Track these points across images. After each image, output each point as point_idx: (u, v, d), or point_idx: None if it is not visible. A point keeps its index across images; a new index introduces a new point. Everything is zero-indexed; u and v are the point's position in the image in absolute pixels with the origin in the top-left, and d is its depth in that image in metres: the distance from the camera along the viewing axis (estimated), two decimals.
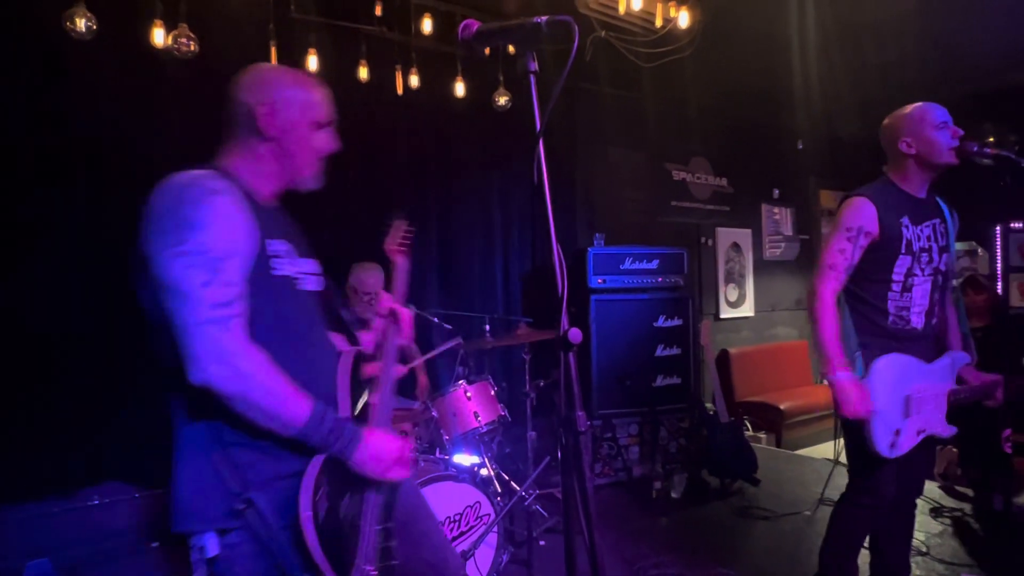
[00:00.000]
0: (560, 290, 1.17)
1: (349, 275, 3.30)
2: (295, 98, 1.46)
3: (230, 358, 1.21)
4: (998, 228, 5.41)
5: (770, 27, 4.23)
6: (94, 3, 2.92)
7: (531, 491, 3.23)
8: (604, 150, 5.34)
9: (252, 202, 1.38)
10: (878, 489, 2.20)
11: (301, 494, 1.28)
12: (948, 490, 3.96)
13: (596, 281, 4.44)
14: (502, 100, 4.17)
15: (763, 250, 6.64)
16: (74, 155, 3.11)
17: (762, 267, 6.60)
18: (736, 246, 6.35)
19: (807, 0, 3.92)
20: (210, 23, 3.27)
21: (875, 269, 2.19)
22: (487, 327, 3.47)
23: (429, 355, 3.21)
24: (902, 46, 4.52)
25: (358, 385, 1.57)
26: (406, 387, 3.55)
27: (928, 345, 2.28)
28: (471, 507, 2.78)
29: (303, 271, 1.46)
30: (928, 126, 2.15)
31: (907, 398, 2.17)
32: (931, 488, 3.90)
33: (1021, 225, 5.79)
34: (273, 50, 3.37)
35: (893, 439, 2.12)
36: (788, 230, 6.92)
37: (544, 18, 1.19)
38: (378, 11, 3.66)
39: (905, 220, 2.16)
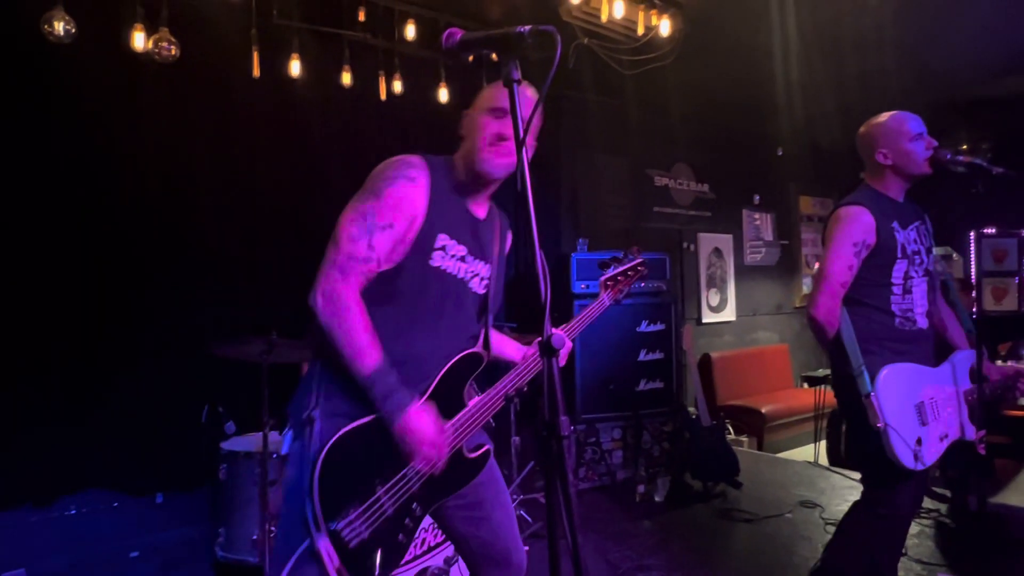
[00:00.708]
0: (543, 297, 1.18)
1: None
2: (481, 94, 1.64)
3: (333, 297, 1.44)
4: (972, 234, 5.52)
5: (751, 36, 4.29)
6: (73, 6, 2.89)
7: (515, 496, 3.23)
8: (588, 156, 5.38)
9: (454, 201, 1.60)
10: (894, 499, 2.15)
11: (341, 430, 1.44)
12: (927, 491, 4.02)
13: (579, 286, 4.46)
14: None
15: (744, 255, 6.71)
16: (54, 158, 3.07)
17: (743, 272, 6.66)
18: (718, 251, 6.41)
19: (787, 10, 3.98)
20: (192, 28, 3.24)
21: (876, 274, 2.17)
22: None
23: None
24: (880, 56, 4.60)
25: (461, 380, 1.64)
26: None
27: (931, 346, 2.27)
28: None
29: (470, 270, 1.64)
30: (904, 138, 2.17)
31: (919, 406, 2.13)
32: None
33: (994, 231, 5.91)
34: (255, 55, 3.35)
35: (916, 449, 2.06)
36: (769, 235, 7.00)
37: (527, 28, 1.19)
38: (361, 16, 3.65)
39: (895, 225, 2.18)
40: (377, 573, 1.46)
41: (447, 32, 1.28)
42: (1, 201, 2.95)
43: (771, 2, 3.88)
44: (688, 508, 4.02)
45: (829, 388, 4.16)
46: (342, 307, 1.44)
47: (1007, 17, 4.17)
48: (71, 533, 2.96)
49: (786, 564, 3.19)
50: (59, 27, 2.86)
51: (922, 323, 2.21)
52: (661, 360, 4.68)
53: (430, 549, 2.48)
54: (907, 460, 2.04)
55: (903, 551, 3.20)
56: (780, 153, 6.90)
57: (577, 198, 5.28)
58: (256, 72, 3.36)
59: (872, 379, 2.07)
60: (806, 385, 5.86)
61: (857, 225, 2.14)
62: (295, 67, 3.53)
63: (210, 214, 3.48)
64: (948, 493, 3.93)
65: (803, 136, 6.48)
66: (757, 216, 6.89)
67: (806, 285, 7.25)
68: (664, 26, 3.91)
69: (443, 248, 1.57)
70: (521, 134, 1.20)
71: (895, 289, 2.17)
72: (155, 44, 3.09)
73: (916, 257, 2.20)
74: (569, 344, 1.83)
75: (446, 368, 1.60)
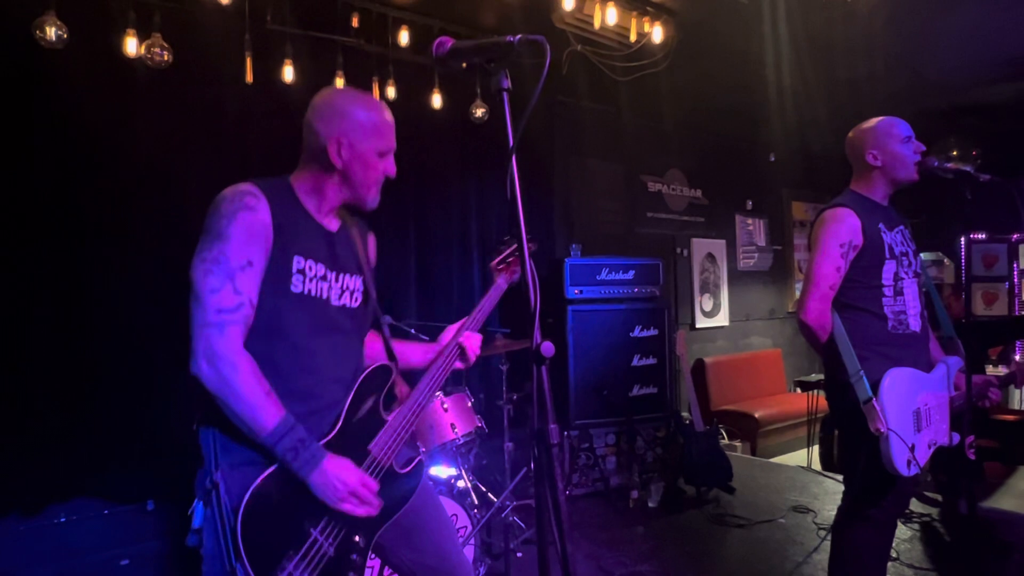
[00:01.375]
0: (532, 305, 1.18)
1: None
2: (364, 128, 1.52)
3: (217, 360, 1.34)
4: (962, 239, 5.57)
5: (743, 43, 4.31)
6: (65, 12, 2.88)
7: (508, 502, 3.23)
8: (581, 162, 5.39)
9: (300, 219, 1.51)
10: (883, 504, 2.15)
11: (254, 482, 1.35)
12: (918, 496, 4.03)
13: (573, 292, 4.46)
14: (479, 112, 4.19)
15: (737, 260, 6.74)
16: (45, 164, 3.06)
17: (736, 277, 6.69)
18: (711, 256, 6.43)
19: (779, 17, 4.01)
20: (185, 33, 3.24)
21: (865, 276, 2.16)
22: None
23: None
24: (871, 63, 4.64)
25: (373, 399, 1.59)
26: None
27: (925, 349, 2.26)
28: None
29: (337, 287, 1.57)
30: (894, 140, 2.19)
31: (916, 412, 2.12)
32: None
33: (984, 236, 5.96)
34: (248, 61, 3.34)
35: (910, 456, 2.05)
36: (761, 241, 7.04)
37: (517, 37, 1.20)
38: (355, 23, 3.65)
39: (881, 226, 2.18)
40: None
41: (438, 41, 1.29)
42: None
43: (763, 9, 3.90)
44: (682, 513, 4.02)
45: (822, 393, 4.18)
46: (227, 367, 1.33)
47: (996, 24, 4.21)
48: (60, 541, 2.93)
49: (779, 569, 3.19)
50: (51, 32, 2.85)
51: (915, 325, 2.20)
52: (654, 365, 4.68)
53: None
54: (902, 467, 2.03)
55: (894, 556, 3.22)
56: (772, 159, 6.93)
57: (571, 204, 5.29)
58: (249, 78, 3.35)
59: (872, 385, 2.04)
60: (799, 390, 5.88)
61: (843, 226, 2.14)
62: (288, 73, 3.53)
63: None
64: (939, 497, 3.94)
65: (795, 142, 6.52)
66: (750, 221, 6.92)
67: (799, 290, 7.26)
68: (657, 33, 3.93)
69: (302, 271, 1.48)
70: (511, 142, 1.20)
71: (886, 291, 2.16)
72: (148, 50, 3.09)
73: (904, 259, 2.20)
74: (479, 337, 1.81)
75: (353, 392, 1.53)
